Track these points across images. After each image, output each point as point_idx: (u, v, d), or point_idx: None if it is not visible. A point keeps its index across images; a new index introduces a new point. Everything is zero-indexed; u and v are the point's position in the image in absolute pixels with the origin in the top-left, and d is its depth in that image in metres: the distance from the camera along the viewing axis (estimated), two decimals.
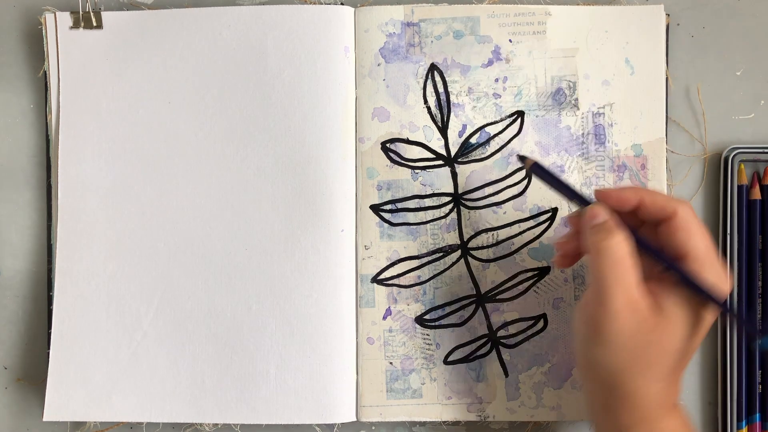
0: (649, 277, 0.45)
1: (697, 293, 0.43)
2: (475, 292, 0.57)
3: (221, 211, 0.56)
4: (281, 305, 0.56)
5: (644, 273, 0.44)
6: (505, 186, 0.56)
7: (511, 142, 0.56)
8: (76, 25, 0.57)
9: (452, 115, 0.56)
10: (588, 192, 0.56)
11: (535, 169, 0.49)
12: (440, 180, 0.56)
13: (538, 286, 0.56)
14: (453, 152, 0.56)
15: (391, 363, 0.57)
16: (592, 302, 0.44)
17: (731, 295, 0.56)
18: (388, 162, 0.56)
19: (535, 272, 0.56)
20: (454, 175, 0.56)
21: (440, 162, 0.56)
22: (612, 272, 0.43)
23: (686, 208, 0.44)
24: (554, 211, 0.56)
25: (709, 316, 0.44)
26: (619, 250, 0.43)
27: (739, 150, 0.56)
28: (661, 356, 0.43)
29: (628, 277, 0.43)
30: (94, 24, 0.57)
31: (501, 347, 0.56)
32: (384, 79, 0.56)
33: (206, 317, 0.56)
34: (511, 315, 0.56)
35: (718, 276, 0.43)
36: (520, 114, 0.56)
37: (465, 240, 0.56)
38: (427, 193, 0.56)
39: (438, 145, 0.56)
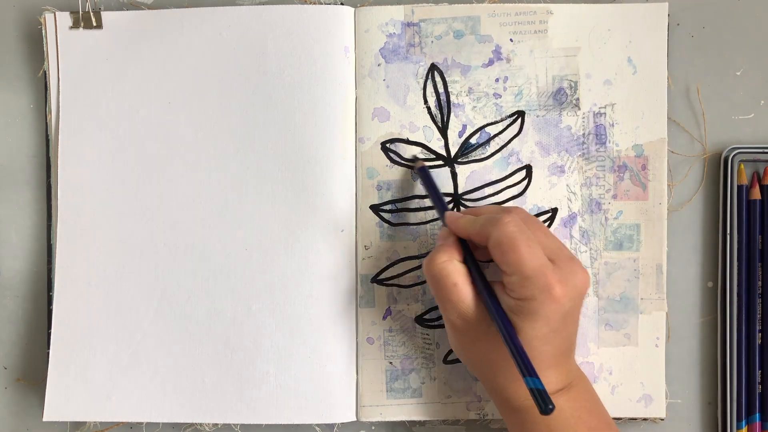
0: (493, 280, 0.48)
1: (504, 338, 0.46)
2: None
3: (221, 211, 0.56)
4: (281, 305, 0.56)
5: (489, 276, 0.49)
6: (505, 186, 0.56)
7: (512, 142, 0.56)
8: (76, 25, 0.57)
9: (452, 115, 0.56)
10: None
11: (420, 172, 0.55)
12: (440, 180, 0.56)
13: None
14: (453, 152, 0.56)
15: (390, 363, 0.57)
16: (441, 312, 0.50)
17: (734, 293, 0.56)
18: (388, 162, 0.56)
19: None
20: (454, 175, 0.56)
21: (440, 162, 0.56)
22: (438, 291, 0.48)
23: (499, 229, 0.46)
24: (554, 211, 0.56)
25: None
26: (440, 271, 0.48)
27: (739, 150, 0.56)
28: (502, 360, 0.47)
29: (452, 294, 0.47)
30: (94, 24, 0.57)
31: None
32: (384, 79, 0.56)
33: (206, 317, 0.56)
34: None
35: (539, 286, 0.45)
36: (520, 114, 0.56)
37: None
38: (427, 193, 0.56)
39: (438, 145, 0.56)
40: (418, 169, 0.55)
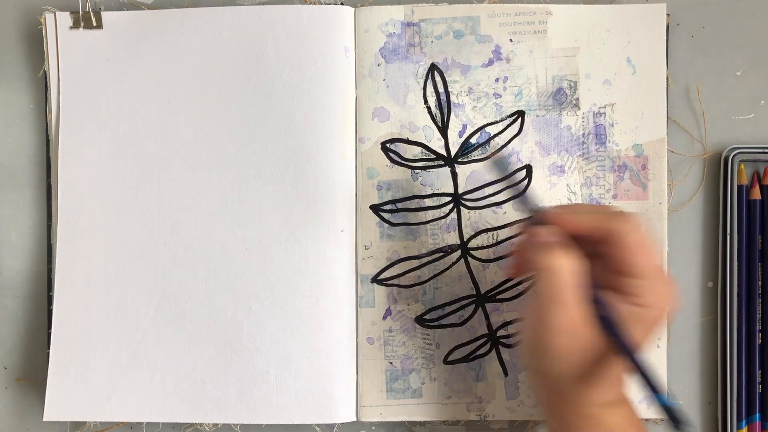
0: (598, 286, 0.45)
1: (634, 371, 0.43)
2: (475, 292, 0.57)
3: (221, 211, 0.56)
4: (281, 305, 0.56)
5: (594, 281, 0.45)
6: (505, 186, 0.56)
7: (512, 142, 0.56)
8: (76, 25, 0.57)
9: (452, 115, 0.56)
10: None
11: (497, 165, 0.49)
12: (440, 180, 0.56)
13: None
14: (453, 152, 0.56)
15: (391, 363, 0.57)
16: (535, 316, 0.45)
17: (732, 294, 0.56)
18: (388, 162, 0.56)
19: (535, 272, 0.56)
20: (454, 175, 0.56)
21: (440, 162, 0.56)
22: (551, 289, 0.44)
23: (626, 226, 0.44)
24: None
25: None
26: (559, 269, 0.44)
27: (739, 150, 0.56)
28: (599, 368, 0.44)
29: (567, 295, 0.43)
30: (94, 24, 0.57)
31: (500, 347, 0.57)
32: (384, 79, 0.56)
33: (206, 317, 0.56)
34: (511, 315, 0.57)
35: (660, 293, 0.43)
36: (520, 114, 0.56)
37: (465, 240, 0.57)
38: (427, 193, 0.56)
39: (438, 145, 0.56)
40: (494, 162, 0.49)
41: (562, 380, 0.45)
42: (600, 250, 0.45)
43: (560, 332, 0.43)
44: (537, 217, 0.46)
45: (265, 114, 0.56)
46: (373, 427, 0.58)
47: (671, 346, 0.57)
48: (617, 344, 0.43)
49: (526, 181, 0.56)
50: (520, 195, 0.48)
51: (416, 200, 0.56)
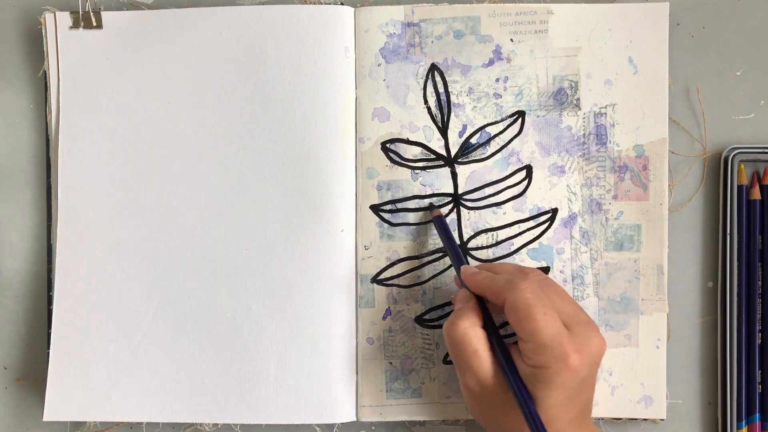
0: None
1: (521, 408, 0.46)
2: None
3: (221, 211, 0.56)
4: (281, 305, 0.56)
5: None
6: (505, 186, 0.56)
7: (512, 142, 0.56)
8: (75, 25, 0.57)
9: (452, 115, 0.56)
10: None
11: (436, 221, 0.55)
12: (440, 180, 0.56)
13: None
14: (453, 152, 0.56)
15: (390, 363, 0.57)
16: (458, 375, 0.49)
17: (735, 294, 0.56)
18: (388, 162, 0.56)
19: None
20: (454, 176, 0.56)
21: (440, 162, 0.56)
22: (458, 356, 0.48)
23: (515, 294, 0.46)
24: (554, 211, 0.56)
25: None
26: (461, 338, 0.48)
27: (739, 150, 0.56)
28: (517, 422, 0.46)
29: (474, 361, 0.47)
30: (94, 24, 0.57)
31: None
32: (384, 79, 0.56)
33: (206, 317, 0.56)
34: None
35: (555, 355, 0.45)
36: (520, 114, 0.56)
37: (465, 240, 0.56)
38: (427, 193, 0.56)
39: (438, 145, 0.56)
40: (434, 218, 0.55)
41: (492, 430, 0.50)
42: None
43: (473, 393, 0.48)
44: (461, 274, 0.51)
45: (265, 114, 0.56)
46: (373, 427, 0.58)
47: (671, 346, 0.57)
48: (514, 393, 0.46)
49: (527, 181, 0.56)
50: (446, 243, 0.54)
51: (416, 200, 0.56)
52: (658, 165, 0.56)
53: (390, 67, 0.56)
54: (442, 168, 0.56)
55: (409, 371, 0.57)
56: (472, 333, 0.47)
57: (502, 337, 0.48)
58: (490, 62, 0.56)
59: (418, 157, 0.56)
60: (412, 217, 0.56)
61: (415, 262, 0.57)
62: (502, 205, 0.56)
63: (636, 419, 0.57)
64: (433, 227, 0.56)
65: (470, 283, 0.50)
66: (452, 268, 0.56)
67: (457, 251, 0.53)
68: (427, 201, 0.56)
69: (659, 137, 0.56)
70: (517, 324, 0.46)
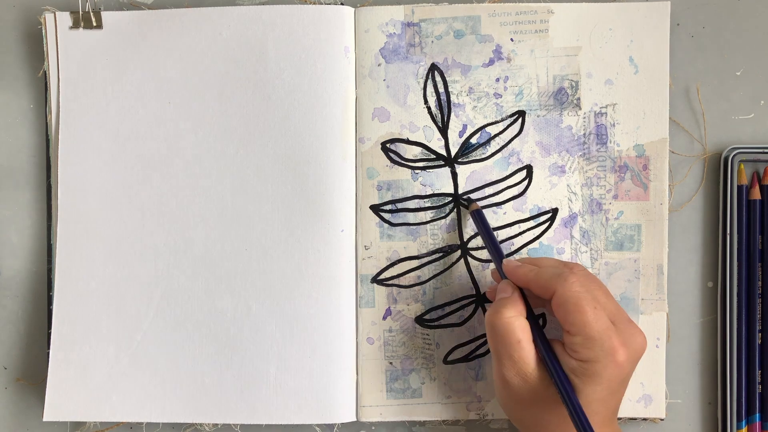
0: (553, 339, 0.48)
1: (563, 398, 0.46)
2: (474, 292, 0.57)
3: (221, 211, 0.56)
4: (281, 305, 0.56)
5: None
6: (505, 186, 0.56)
7: (512, 142, 0.56)
8: (76, 25, 0.57)
9: (452, 115, 0.56)
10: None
11: (476, 216, 0.55)
12: (440, 180, 0.56)
13: None
14: (453, 152, 0.56)
15: (390, 363, 0.57)
16: (495, 370, 0.49)
17: (732, 295, 0.56)
18: (388, 162, 0.56)
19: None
20: (454, 176, 0.56)
21: (440, 162, 0.56)
22: (500, 347, 0.48)
23: (565, 286, 0.46)
24: (555, 211, 0.56)
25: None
26: (505, 327, 0.47)
27: (739, 150, 0.56)
28: (557, 423, 0.47)
29: (515, 351, 0.47)
30: (94, 24, 0.57)
31: None
32: (384, 79, 0.56)
33: (206, 317, 0.56)
34: None
35: (604, 349, 0.45)
36: (521, 114, 0.56)
37: (465, 240, 0.57)
38: (427, 193, 0.56)
39: (438, 145, 0.56)
40: (472, 213, 0.55)
41: (525, 427, 0.49)
42: (547, 307, 0.48)
43: (511, 385, 0.47)
44: (499, 267, 0.51)
45: (265, 114, 0.56)
46: (373, 427, 0.58)
47: (671, 346, 0.57)
48: (557, 386, 0.46)
49: (527, 181, 0.56)
50: (487, 239, 0.54)
51: (416, 200, 0.56)
52: (659, 165, 0.56)
53: (390, 67, 0.56)
54: (442, 168, 0.56)
55: (409, 371, 0.57)
56: (516, 323, 0.47)
57: (542, 330, 0.48)
58: (491, 62, 0.56)
59: (418, 157, 0.56)
60: (412, 217, 0.56)
61: (415, 262, 0.57)
62: (503, 205, 0.56)
63: (635, 419, 0.57)
64: (433, 227, 0.56)
65: (514, 275, 0.49)
66: (453, 268, 0.56)
67: (497, 244, 0.53)
68: (427, 201, 0.56)
69: (660, 137, 0.56)
70: (565, 316, 0.46)
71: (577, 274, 0.47)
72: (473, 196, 0.56)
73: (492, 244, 0.53)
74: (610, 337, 0.45)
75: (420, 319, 0.57)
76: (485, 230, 0.54)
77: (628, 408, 0.56)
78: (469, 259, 0.57)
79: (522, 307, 0.48)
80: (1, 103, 0.59)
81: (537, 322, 0.48)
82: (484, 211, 0.56)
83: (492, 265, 0.56)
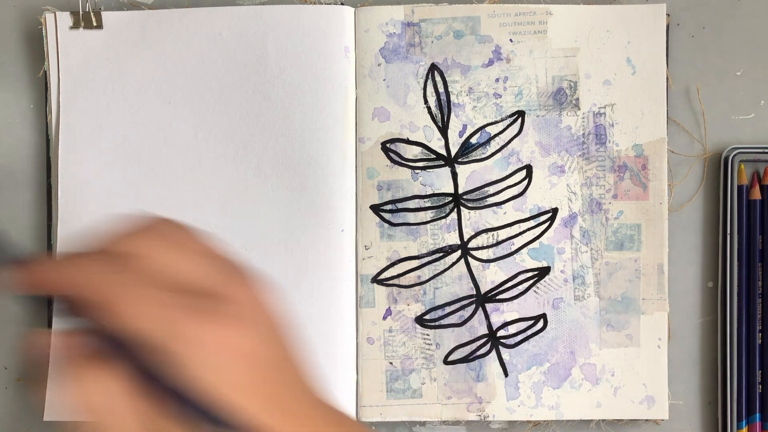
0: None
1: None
2: (475, 292, 0.57)
3: (221, 210, 0.56)
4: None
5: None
6: (505, 186, 0.56)
7: (512, 142, 0.56)
8: (76, 25, 0.57)
9: (452, 115, 0.56)
10: None
11: None
12: (440, 180, 0.56)
13: (538, 287, 0.56)
14: (453, 152, 0.56)
15: (391, 363, 0.57)
16: None
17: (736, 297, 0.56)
18: (388, 162, 0.56)
19: (535, 272, 0.56)
20: (454, 175, 0.56)
21: (440, 162, 0.56)
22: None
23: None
24: (554, 211, 0.56)
25: None
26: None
27: (739, 150, 0.56)
28: None
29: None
30: (94, 24, 0.57)
31: (501, 347, 0.56)
32: (384, 79, 0.56)
33: None
34: (511, 315, 0.56)
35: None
36: (520, 114, 0.56)
37: (465, 240, 0.56)
38: (427, 193, 0.56)
39: (438, 145, 0.56)
40: None
41: None
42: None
43: None
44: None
45: (265, 114, 0.56)
46: (373, 427, 0.58)
47: (671, 346, 0.57)
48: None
49: (527, 181, 0.56)
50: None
51: (416, 200, 0.56)
52: (658, 164, 0.56)
53: (390, 67, 0.56)
54: (442, 168, 0.56)
55: (409, 371, 0.57)
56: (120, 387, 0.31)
57: None
58: (490, 62, 0.56)
59: (418, 157, 0.56)
60: (412, 217, 0.56)
61: (416, 262, 0.57)
62: (503, 205, 0.56)
63: (637, 420, 0.57)
64: (433, 227, 0.56)
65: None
66: (453, 268, 0.56)
67: None
68: (427, 201, 0.56)
69: (658, 137, 0.56)
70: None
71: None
72: (473, 195, 0.56)
73: None
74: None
75: (420, 319, 0.57)
76: None
77: (630, 410, 0.56)
78: (470, 259, 0.56)
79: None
80: (1, 103, 0.59)
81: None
82: (483, 211, 0.56)
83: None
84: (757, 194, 0.56)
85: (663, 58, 0.56)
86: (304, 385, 0.36)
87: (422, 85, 0.56)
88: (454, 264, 0.57)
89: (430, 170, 0.56)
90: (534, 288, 0.56)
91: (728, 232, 0.56)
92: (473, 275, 0.57)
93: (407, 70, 0.56)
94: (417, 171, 0.56)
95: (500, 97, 0.56)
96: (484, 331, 0.56)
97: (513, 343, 0.56)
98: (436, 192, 0.56)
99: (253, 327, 0.32)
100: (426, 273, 0.57)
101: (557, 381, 0.56)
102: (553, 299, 0.56)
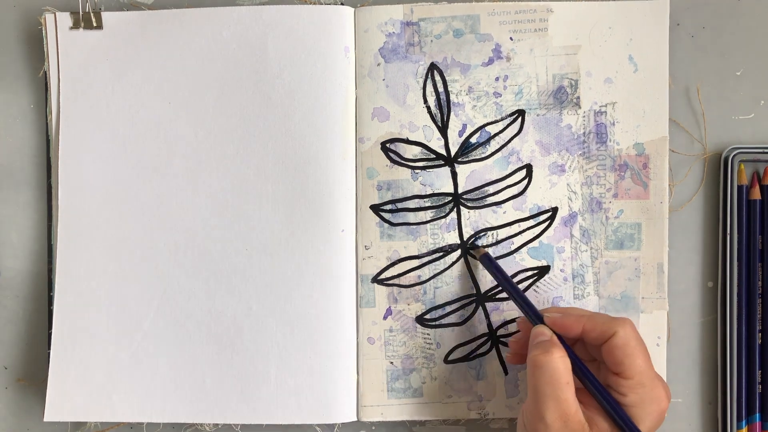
0: (587, 391, 0.48)
1: (615, 419, 0.46)
2: (475, 292, 0.57)
3: (221, 211, 0.56)
4: (282, 305, 0.56)
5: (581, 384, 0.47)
6: (505, 185, 0.56)
7: (512, 142, 0.56)
8: (76, 25, 0.57)
9: (452, 114, 0.56)
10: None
11: (485, 261, 0.54)
12: (440, 180, 0.56)
13: (538, 285, 0.56)
14: (453, 152, 0.56)
15: (391, 362, 0.57)
16: (530, 411, 0.47)
17: (731, 298, 0.56)
18: (388, 162, 0.56)
19: (535, 271, 0.56)
20: (454, 175, 0.56)
21: (440, 162, 0.56)
22: (547, 386, 0.46)
23: (626, 329, 0.46)
24: (554, 210, 0.56)
25: None
26: (555, 366, 0.46)
27: (739, 150, 0.56)
28: None
29: (562, 392, 0.45)
30: (94, 24, 0.57)
31: (501, 346, 0.57)
32: (384, 79, 0.56)
33: (206, 317, 0.56)
34: (511, 314, 0.57)
35: (651, 395, 0.46)
36: (520, 113, 0.56)
37: (465, 240, 0.56)
38: (427, 192, 0.56)
39: (438, 144, 0.56)
40: (483, 258, 0.55)
41: None
42: (593, 352, 0.48)
43: (553, 428, 0.45)
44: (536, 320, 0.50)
45: (265, 114, 0.56)
46: (374, 427, 0.58)
47: (671, 346, 0.57)
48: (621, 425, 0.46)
49: (527, 180, 0.56)
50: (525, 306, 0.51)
51: (416, 200, 0.56)
52: (659, 163, 0.56)
53: (389, 66, 0.56)
54: (442, 167, 0.56)
55: (410, 371, 0.57)
56: (565, 363, 0.46)
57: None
58: (490, 61, 0.56)
59: (418, 157, 0.56)
60: (412, 217, 0.56)
61: (416, 262, 0.57)
62: (502, 204, 0.56)
63: None
64: (433, 227, 0.56)
65: (561, 323, 0.48)
66: (453, 267, 0.56)
67: (521, 293, 0.52)
68: (427, 200, 0.56)
69: (659, 135, 0.56)
70: (623, 358, 0.46)
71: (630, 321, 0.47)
72: (473, 195, 0.56)
73: (517, 294, 0.52)
74: (658, 385, 0.46)
75: (420, 319, 0.57)
76: (504, 279, 0.53)
77: None
78: (470, 258, 0.57)
79: (563, 348, 0.47)
80: (1, 103, 0.59)
81: (581, 362, 0.48)
82: (483, 211, 0.56)
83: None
84: (757, 194, 0.56)
85: (665, 55, 0.56)
86: None
87: (422, 85, 0.56)
88: (454, 263, 0.57)
89: (430, 170, 0.56)
90: (534, 287, 0.56)
91: (728, 232, 0.56)
92: (473, 275, 0.57)
93: (407, 70, 0.56)
94: (417, 171, 0.56)
95: (500, 96, 0.56)
96: (484, 330, 0.57)
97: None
98: (435, 192, 0.56)
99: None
100: (426, 272, 0.57)
101: None
102: (553, 298, 0.56)
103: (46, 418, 0.56)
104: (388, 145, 0.56)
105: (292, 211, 0.56)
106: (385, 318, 0.57)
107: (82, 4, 0.58)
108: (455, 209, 0.56)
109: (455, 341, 0.57)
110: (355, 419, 0.56)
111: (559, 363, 0.46)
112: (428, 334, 0.57)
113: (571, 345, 0.49)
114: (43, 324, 0.59)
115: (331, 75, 0.56)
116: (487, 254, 0.55)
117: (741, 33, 0.57)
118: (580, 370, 0.47)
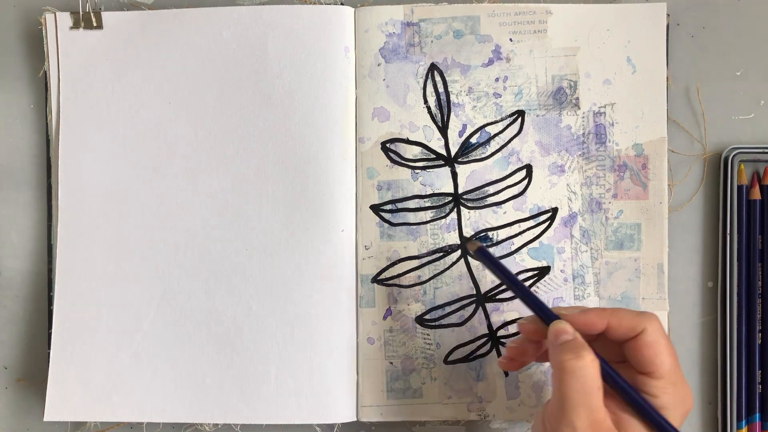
0: (613, 393, 0.45)
1: (653, 426, 0.43)
2: (475, 292, 0.57)
3: (221, 211, 0.56)
4: (281, 305, 0.56)
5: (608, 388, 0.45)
6: (505, 186, 0.56)
7: (512, 142, 0.56)
8: (76, 25, 0.57)
9: (452, 114, 0.56)
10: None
11: (480, 256, 0.50)
12: (440, 180, 0.56)
13: (538, 286, 0.56)
14: (453, 152, 0.56)
15: (391, 363, 0.57)
16: (555, 416, 0.43)
17: (731, 298, 0.56)
18: (388, 162, 0.56)
19: (535, 272, 0.56)
20: (454, 175, 0.56)
21: (440, 162, 0.56)
22: (579, 393, 0.42)
23: (654, 324, 0.44)
24: (554, 210, 0.56)
25: None
26: (588, 372, 0.43)
27: (739, 150, 0.56)
28: None
29: (594, 399, 0.42)
30: (94, 24, 0.57)
31: (501, 346, 0.57)
32: (384, 79, 0.56)
33: (206, 317, 0.56)
34: (511, 315, 0.57)
35: (680, 394, 0.44)
36: (520, 113, 0.56)
37: (465, 240, 0.57)
38: (427, 193, 0.56)
39: (438, 145, 0.56)
40: (477, 253, 0.50)
41: None
42: (617, 350, 0.46)
43: None
44: (550, 317, 0.46)
45: (265, 114, 0.56)
46: (374, 427, 0.58)
47: None
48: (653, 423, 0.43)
49: (527, 181, 0.56)
50: (528, 299, 0.47)
51: (416, 200, 0.57)
52: (658, 164, 0.56)
53: (390, 66, 0.56)
54: (442, 168, 0.56)
55: (409, 371, 0.57)
56: (596, 368, 0.43)
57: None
58: (490, 62, 0.56)
59: (418, 157, 0.56)
60: (412, 217, 0.57)
61: (416, 262, 0.57)
62: (502, 205, 0.56)
63: None
64: (433, 227, 0.56)
65: (584, 320, 0.45)
66: (453, 268, 0.56)
67: (523, 287, 0.48)
68: (427, 201, 0.56)
69: (658, 136, 0.56)
70: (653, 357, 0.43)
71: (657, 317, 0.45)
72: (473, 195, 0.56)
73: (520, 288, 0.48)
74: (685, 384, 0.44)
75: (420, 319, 0.57)
76: (503, 273, 0.49)
77: None
78: (469, 258, 0.57)
79: (592, 351, 0.44)
80: (1, 103, 0.59)
81: (607, 362, 0.45)
82: (483, 211, 0.56)
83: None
84: (757, 194, 0.56)
85: (663, 56, 0.56)
86: None
87: (422, 85, 0.56)
88: (454, 264, 0.57)
89: (430, 170, 0.56)
90: (534, 287, 0.56)
91: (728, 232, 0.56)
92: (473, 275, 0.57)
93: (407, 70, 0.56)
94: (417, 171, 0.56)
95: (500, 96, 0.56)
96: (485, 330, 0.57)
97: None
98: (436, 192, 0.56)
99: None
100: (426, 273, 0.57)
101: None
102: (553, 299, 0.56)
103: (46, 417, 0.56)
104: (388, 145, 0.56)
105: (292, 211, 0.56)
106: (384, 318, 0.57)
107: (82, 4, 0.58)
108: (455, 209, 0.56)
109: (455, 342, 0.57)
110: (354, 419, 0.56)
111: (592, 369, 0.43)
112: (428, 335, 0.57)
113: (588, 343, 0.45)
114: (43, 324, 0.59)
115: (331, 75, 0.56)
116: (481, 248, 0.50)
117: (741, 33, 0.57)
118: (608, 374, 0.44)
